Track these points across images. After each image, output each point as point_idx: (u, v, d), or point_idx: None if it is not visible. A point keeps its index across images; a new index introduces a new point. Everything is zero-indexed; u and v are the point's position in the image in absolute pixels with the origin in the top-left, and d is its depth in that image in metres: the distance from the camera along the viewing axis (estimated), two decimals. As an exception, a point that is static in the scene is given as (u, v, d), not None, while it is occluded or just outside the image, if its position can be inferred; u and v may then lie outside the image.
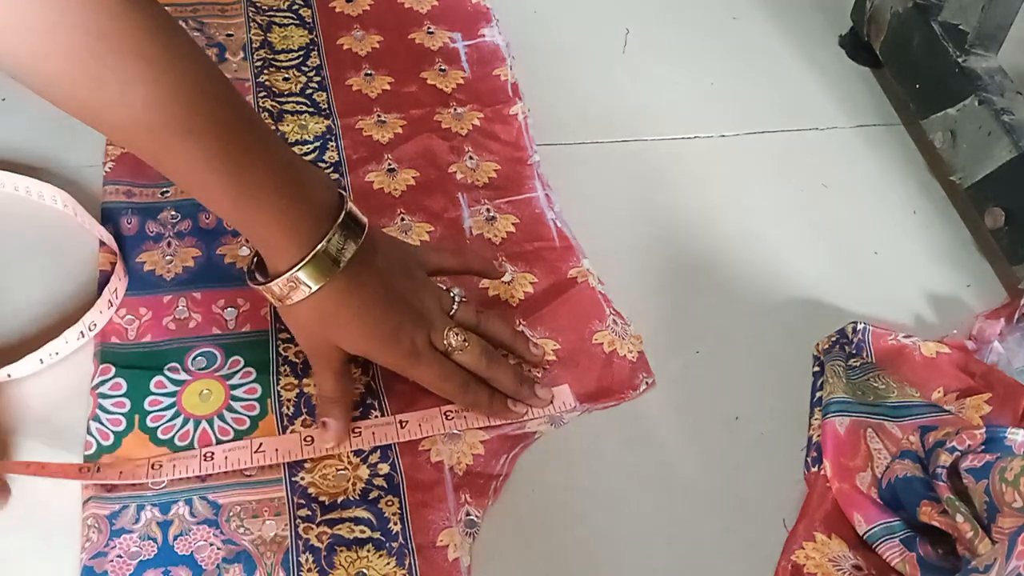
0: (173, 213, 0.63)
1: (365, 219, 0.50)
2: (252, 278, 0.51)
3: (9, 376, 0.53)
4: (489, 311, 0.58)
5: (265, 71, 0.74)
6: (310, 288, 0.48)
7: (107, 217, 0.62)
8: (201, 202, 0.49)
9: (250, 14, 0.78)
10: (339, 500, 0.52)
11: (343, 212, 0.49)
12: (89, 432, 0.52)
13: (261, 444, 0.53)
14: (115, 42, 0.40)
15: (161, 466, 0.51)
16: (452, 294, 0.56)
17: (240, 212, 0.47)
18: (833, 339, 0.62)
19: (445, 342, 0.53)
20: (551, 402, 0.57)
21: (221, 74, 0.46)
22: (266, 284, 0.49)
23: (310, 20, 0.80)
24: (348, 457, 0.53)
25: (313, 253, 0.47)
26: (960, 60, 0.71)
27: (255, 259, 0.51)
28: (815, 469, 0.56)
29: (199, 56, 0.45)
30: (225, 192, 0.46)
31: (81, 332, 0.55)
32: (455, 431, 0.55)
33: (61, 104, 0.42)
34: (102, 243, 0.61)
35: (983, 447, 0.51)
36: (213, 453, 0.52)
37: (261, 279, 0.50)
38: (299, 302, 0.49)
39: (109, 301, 0.57)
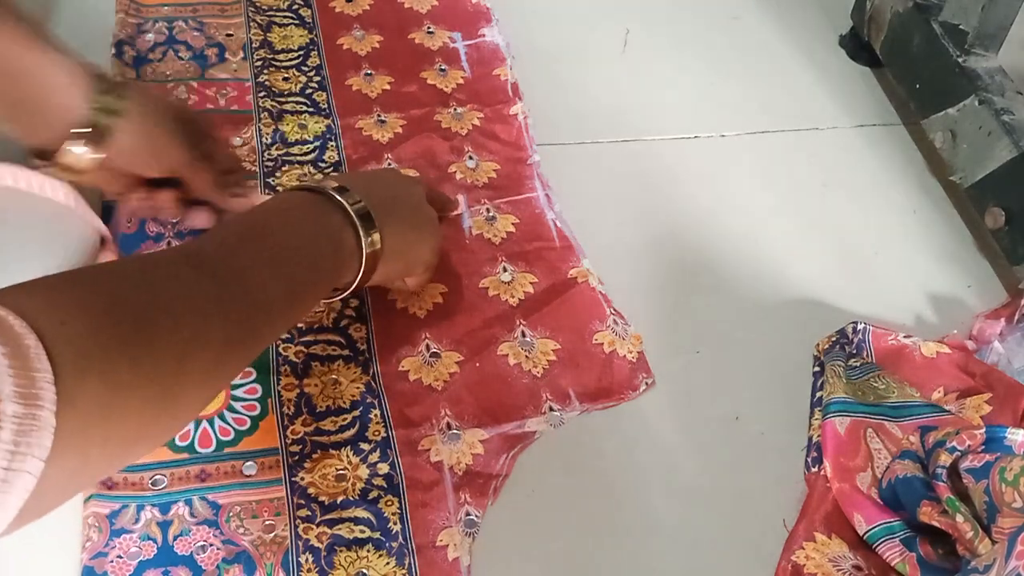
0: (173, 213, 0.63)
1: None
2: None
3: None
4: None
5: (265, 71, 0.74)
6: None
7: (108, 217, 0.62)
8: None
9: (250, 14, 0.78)
10: (339, 500, 0.52)
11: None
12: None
13: None
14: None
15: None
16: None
17: None
18: (833, 339, 0.62)
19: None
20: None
21: None
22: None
23: (310, 20, 0.80)
24: (348, 457, 0.53)
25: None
26: (960, 60, 0.71)
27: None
28: (815, 469, 0.56)
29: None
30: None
31: None
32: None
33: None
34: (104, 239, 0.61)
35: (983, 447, 0.51)
36: None
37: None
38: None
39: None
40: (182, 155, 0.57)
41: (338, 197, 0.51)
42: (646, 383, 0.59)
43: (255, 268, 0.45)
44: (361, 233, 0.51)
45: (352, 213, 0.51)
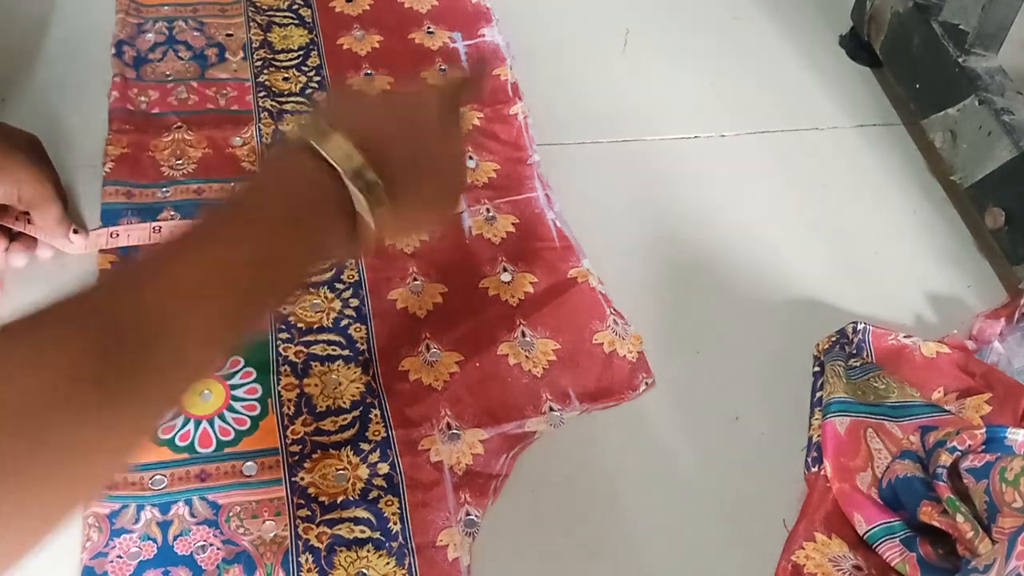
0: (172, 213, 0.63)
1: None
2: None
3: None
4: None
5: (265, 71, 0.74)
6: None
7: (107, 218, 0.62)
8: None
9: (250, 14, 0.78)
10: (339, 500, 0.52)
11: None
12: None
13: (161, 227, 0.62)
14: None
15: (118, 236, 0.60)
16: None
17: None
18: (833, 339, 0.62)
19: None
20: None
21: None
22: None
23: (310, 20, 0.80)
24: (348, 456, 0.53)
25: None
26: (960, 60, 0.71)
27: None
28: (815, 469, 0.56)
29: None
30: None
31: None
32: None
33: None
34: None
35: (983, 447, 0.51)
36: (161, 227, 0.61)
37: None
38: None
39: None
40: (42, 187, 0.56)
41: (343, 175, 0.40)
42: (646, 383, 0.59)
43: (195, 331, 0.35)
44: (364, 216, 0.41)
45: (353, 195, 0.40)
